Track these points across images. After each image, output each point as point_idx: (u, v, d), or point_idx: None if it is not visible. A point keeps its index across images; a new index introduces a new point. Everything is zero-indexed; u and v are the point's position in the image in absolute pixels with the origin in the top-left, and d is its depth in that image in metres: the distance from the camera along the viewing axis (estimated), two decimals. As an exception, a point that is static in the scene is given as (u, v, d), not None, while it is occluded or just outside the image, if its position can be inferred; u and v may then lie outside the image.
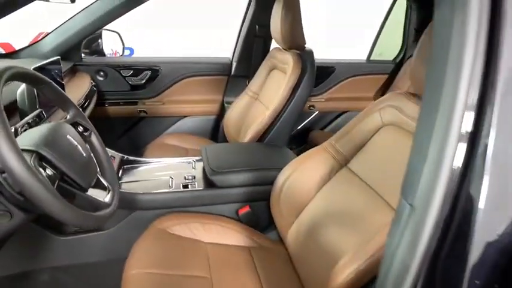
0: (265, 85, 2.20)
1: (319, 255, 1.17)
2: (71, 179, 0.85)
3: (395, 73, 2.81)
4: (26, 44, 2.10)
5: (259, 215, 1.55)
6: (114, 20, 2.08)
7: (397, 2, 2.82)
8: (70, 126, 0.98)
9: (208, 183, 1.54)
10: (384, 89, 2.88)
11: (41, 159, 0.79)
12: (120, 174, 1.60)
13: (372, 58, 3.05)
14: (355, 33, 5.41)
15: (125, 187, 1.50)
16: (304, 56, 1.93)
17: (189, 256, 1.28)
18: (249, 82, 2.38)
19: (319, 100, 2.81)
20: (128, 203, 1.42)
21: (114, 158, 1.66)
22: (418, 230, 0.59)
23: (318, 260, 1.17)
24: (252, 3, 2.42)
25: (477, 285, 0.58)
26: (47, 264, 1.44)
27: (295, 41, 1.95)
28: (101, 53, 2.50)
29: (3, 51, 3.13)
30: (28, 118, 1.07)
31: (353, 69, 2.81)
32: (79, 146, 0.92)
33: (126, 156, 1.74)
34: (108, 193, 0.99)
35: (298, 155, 1.75)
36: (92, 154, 1.02)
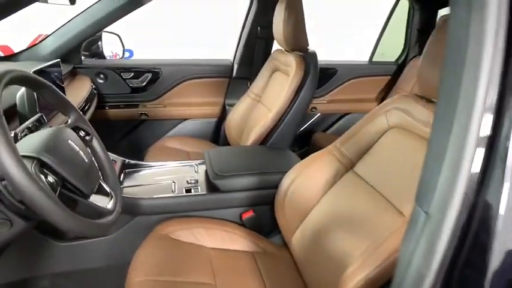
0: (268, 87, 2.18)
1: (326, 260, 1.15)
2: (72, 185, 0.83)
3: (397, 74, 2.80)
4: (25, 47, 2.08)
5: (263, 219, 1.53)
6: (114, 22, 2.06)
7: (398, 2, 2.80)
8: (71, 130, 0.96)
9: (212, 188, 1.52)
10: (386, 91, 2.87)
11: (42, 166, 0.77)
12: (121, 179, 1.58)
13: (374, 58, 3.03)
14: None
15: (127, 192, 1.47)
16: (307, 57, 1.90)
17: (193, 262, 1.25)
18: (250, 84, 2.35)
19: (321, 102, 2.79)
20: (129, 208, 1.40)
21: (115, 161, 1.64)
22: (434, 238, 0.57)
23: (325, 266, 1.15)
24: (253, 4, 2.41)
25: (497, 296, 0.56)
26: (47, 270, 1.41)
27: (298, 43, 1.93)
28: (100, 55, 2.48)
29: (2, 54, 3.11)
30: (28, 123, 1.05)
31: (355, 71, 2.80)
32: (81, 152, 0.90)
33: (127, 160, 1.71)
34: (111, 199, 0.96)
35: (300, 157, 1.73)
36: (93, 159, 1.00)
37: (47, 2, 1.70)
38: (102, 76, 2.31)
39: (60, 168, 0.79)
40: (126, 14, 2.04)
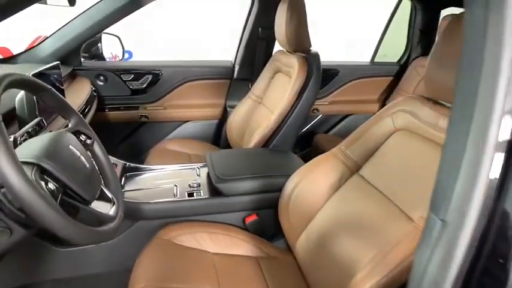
0: (269, 89, 2.16)
1: (332, 266, 1.13)
2: (74, 192, 0.80)
3: (400, 75, 2.78)
4: (24, 49, 2.05)
5: (266, 223, 1.50)
6: (114, 23, 2.04)
7: (401, 3, 2.78)
8: (72, 135, 0.93)
9: (214, 191, 1.50)
10: (388, 92, 2.85)
11: (42, 172, 0.75)
12: (122, 182, 1.56)
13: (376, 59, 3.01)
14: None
15: (128, 196, 1.45)
16: (310, 59, 1.88)
17: (196, 268, 1.23)
18: (252, 86, 2.33)
19: (322, 103, 2.77)
20: (131, 213, 1.38)
21: (116, 165, 1.62)
22: (451, 246, 0.55)
23: (331, 271, 1.13)
24: (254, 5, 2.38)
25: (517, 308, 0.54)
26: (47, 276, 1.39)
27: (300, 44, 1.91)
28: (100, 57, 2.45)
29: (0, 57, 3.09)
30: (28, 127, 1.02)
31: (357, 72, 2.78)
32: (82, 157, 0.88)
33: (128, 164, 1.69)
34: (113, 205, 0.94)
35: (302, 159, 1.72)
36: (95, 164, 0.98)
37: (46, 3, 1.68)
38: (102, 78, 2.29)
39: (61, 175, 0.77)
40: (126, 15, 2.02)
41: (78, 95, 1.86)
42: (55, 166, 0.76)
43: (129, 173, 1.65)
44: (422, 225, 0.91)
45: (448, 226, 0.55)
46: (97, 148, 1.06)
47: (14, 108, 1.14)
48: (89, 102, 1.89)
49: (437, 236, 0.57)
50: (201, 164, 1.74)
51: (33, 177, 0.71)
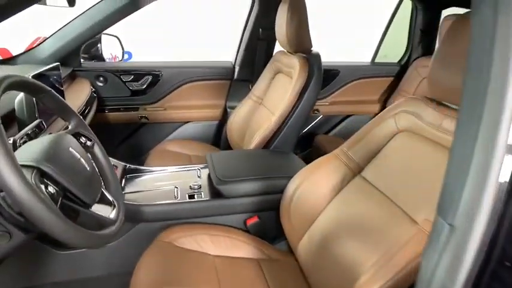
0: (270, 89, 2.15)
1: (335, 268, 1.12)
2: (74, 195, 0.79)
3: (400, 75, 2.77)
4: (23, 49, 2.04)
5: (268, 225, 1.49)
6: (114, 24, 2.03)
7: (401, 3, 2.77)
8: (72, 137, 0.92)
9: (215, 193, 1.48)
10: (389, 92, 2.84)
11: (42, 176, 0.74)
12: (122, 184, 1.54)
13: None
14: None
15: (128, 198, 1.44)
16: (311, 59, 1.87)
17: (198, 270, 1.22)
18: (252, 86, 2.33)
19: (323, 104, 2.76)
20: (131, 215, 1.36)
21: (116, 167, 1.60)
22: (459, 251, 0.54)
23: (333, 274, 1.12)
24: (255, 5, 2.37)
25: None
26: (47, 279, 1.38)
27: (301, 44, 1.90)
28: (100, 57, 2.44)
29: (0, 58, 3.07)
30: (27, 129, 1.01)
31: (357, 72, 2.77)
32: (82, 159, 0.87)
33: (128, 165, 1.68)
34: (113, 208, 0.93)
35: (303, 159, 1.71)
36: (95, 166, 0.97)
37: (45, 4, 1.67)
38: (101, 79, 2.27)
39: (62, 178, 0.76)
40: (126, 16, 2.01)
41: (77, 96, 1.84)
42: (55, 169, 0.75)
43: (129, 174, 1.64)
44: (427, 228, 0.91)
45: (456, 230, 0.55)
46: (97, 150, 1.05)
47: (14, 110, 1.13)
48: (88, 104, 1.88)
49: (445, 240, 0.56)
50: (201, 165, 1.73)
51: (33, 181, 0.70)
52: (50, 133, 1.07)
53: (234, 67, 2.54)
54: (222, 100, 2.55)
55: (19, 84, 0.86)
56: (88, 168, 0.87)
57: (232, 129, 2.26)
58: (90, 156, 1.01)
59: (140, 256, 1.24)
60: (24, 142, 0.93)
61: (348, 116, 2.88)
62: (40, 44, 2.02)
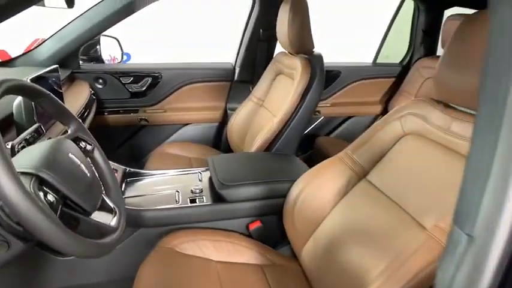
0: (271, 91, 2.13)
1: (341, 275, 1.09)
2: (74, 203, 0.77)
3: (402, 76, 2.74)
4: (22, 51, 2.02)
5: (270, 229, 1.47)
6: (113, 25, 2.00)
7: (403, 3, 2.75)
8: (71, 142, 0.90)
9: (217, 197, 1.46)
10: (390, 93, 2.82)
11: (41, 183, 0.71)
12: (123, 188, 1.52)
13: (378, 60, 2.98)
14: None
15: (129, 202, 1.41)
16: (313, 60, 1.85)
17: (200, 277, 1.20)
18: (252, 88, 2.31)
19: (324, 105, 2.73)
20: (132, 220, 1.34)
21: (116, 170, 1.58)
22: (478, 263, 0.52)
23: (339, 281, 1.10)
24: (255, 6, 2.35)
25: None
26: (46, 286, 1.35)
27: (303, 45, 1.88)
28: (99, 59, 2.42)
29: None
30: (26, 134, 0.99)
31: (359, 73, 2.75)
32: (82, 165, 0.84)
33: (128, 169, 1.66)
34: (114, 215, 0.91)
35: (304, 161, 1.68)
36: (95, 172, 0.94)
37: (44, 5, 1.64)
38: (100, 81, 2.25)
39: (61, 185, 0.73)
40: (125, 17, 1.98)
41: (76, 98, 1.82)
42: (54, 176, 0.73)
43: (129, 178, 1.61)
44: (438, 234, 0.89)
45: (475, 241, 0.52)
46: (97, 155, 1.03)
47: (12, 114, 1.10)
48: (88, 106, 1.86)
49: (463, 251, 0.54)
50: (203, 169, 1.70)
51: (32, 189, 0.67)
52: (49, 138, 1.04)
53: (234, 68, 2.52)
54: (222, 102, 2.52)
55: (17, 88, 0.84)
56: (88, 175, 0.85)
57: (232, 131, 2.24)
58: (90, 160, 0.99)
59: (141, 262, 1.21)
60: (23, 147, 0.91)
61: (349, 118, 2.85)
62: (39, 45, 1.99)
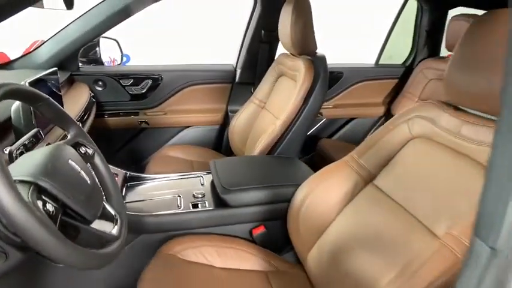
0: (273, 93, 2.10)
1: (348, 283, 1.06)
2: (74, 211, 0.74)
3: (405, 77, 2.72)
4: (21, 53, 1.99)
5: (274, 235, 1.44)
6: (113, 27, 1.98)
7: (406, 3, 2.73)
8: (71, 148, 0.87)
9: (220, 202, 1.43)
10: (393, 95, 2.79)
11: (40, 192, 0.68)
12: (123, 193, 1.49)
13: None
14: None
15: (130, 207, 1.38)
16: (316, 62, 1.82)
17: (203, 284, 1.17)
18: (254, 90, 2.28)
19: (326, 107, 2.71)
20: (133, 226, 1.31)
21: (116, 175, 1.55)
22: (503, 278, 0.49)
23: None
24: (257, 6, 2.32)
25: None
26: None
27: (306, 46, 1.85)
28: (98, 61, 2.39)
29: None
30: (24, 139, 0.96)
31: (362, 74, 2.72)
32: (82, 172, 0.81)
33: (129, 173, 1.63)
34: (116, 223, 0.88)
35: (306, 163, 1.65)
36: (96, 179, 0.91)
37: (43, 7, 1.61)
38: (100, 83, 2.22)
39: (61, 194, 0.70)
40: (125, 19, 1.96)
41: (76, 101, 1.79)
42: (54, 184, 0.70)
43: (130, 182, 1.58)
44: (451, 242, 0.86)
45: (499, 255, 0.49)
46: (98, 160, 1.00)
47: (10, 118, 1.07)
48: (87, 109, 1.83)
49: (486, 264, 0.51)
50: (204, 172, 1.67)
51: (30, 199, 0.64)
52: (48, 143, 1.01)
53: (235, 70, 2.49)
54: (223, 104, 2.50)
55: (15, 93, 0.81)
56: (89, 182, 0.82)
57: (234, 134, 2.21)
58: (90, 166, 0.96)
59: (142, 269, 1.18)
60: (21, 153, 0.88)
61: (352, 119, 2.82)
62: (38, 47, 1.97)
